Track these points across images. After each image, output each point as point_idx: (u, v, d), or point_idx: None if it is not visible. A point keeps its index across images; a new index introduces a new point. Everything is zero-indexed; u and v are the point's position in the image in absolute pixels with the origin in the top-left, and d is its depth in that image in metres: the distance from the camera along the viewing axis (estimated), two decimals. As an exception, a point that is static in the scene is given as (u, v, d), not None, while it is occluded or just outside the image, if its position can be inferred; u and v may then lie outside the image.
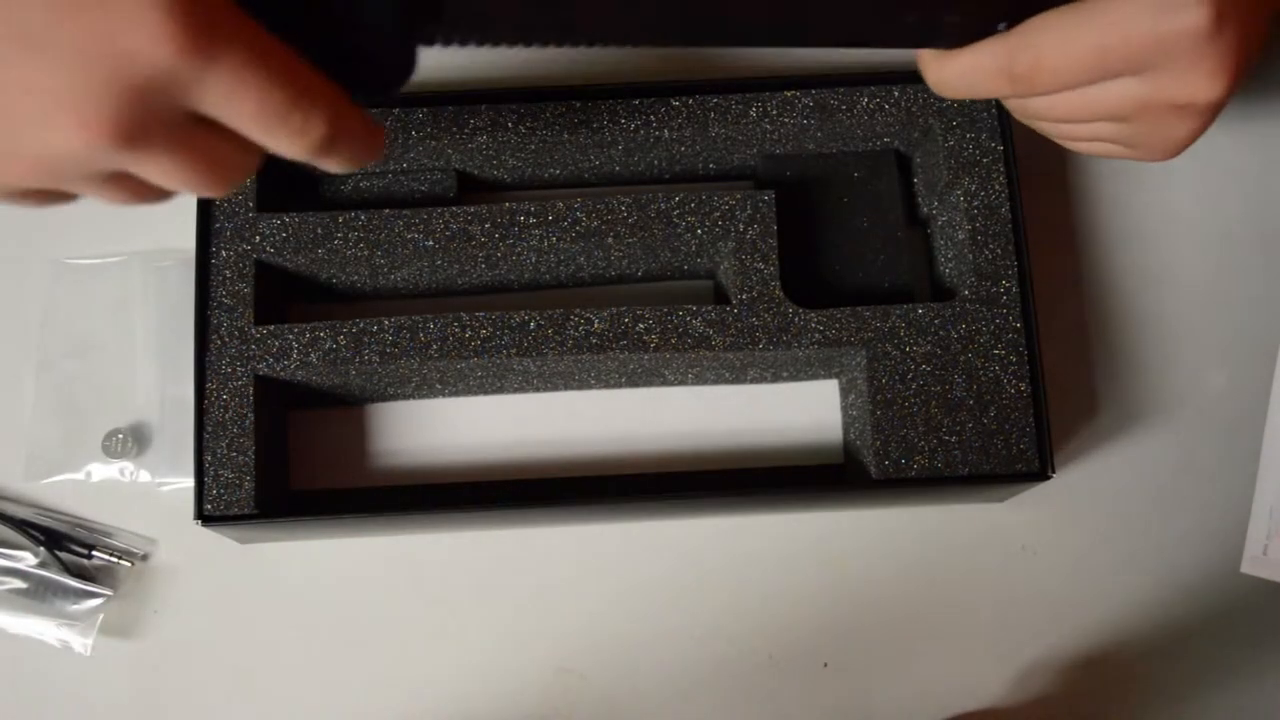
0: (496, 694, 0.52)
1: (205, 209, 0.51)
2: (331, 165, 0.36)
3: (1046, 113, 0.42)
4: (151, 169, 0.34)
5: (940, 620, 0.54)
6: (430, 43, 0.36)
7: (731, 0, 0.38)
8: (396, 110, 0.52)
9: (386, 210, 0.51)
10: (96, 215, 0.49)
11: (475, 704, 0.52)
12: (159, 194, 0.36)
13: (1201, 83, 0.38)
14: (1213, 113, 0.40)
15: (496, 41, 0.36)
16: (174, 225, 0.54)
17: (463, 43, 0.36)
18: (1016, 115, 0.44)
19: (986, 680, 0.53)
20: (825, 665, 0.53)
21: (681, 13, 0.38)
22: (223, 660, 0.53)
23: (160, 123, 0.32)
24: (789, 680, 0.53)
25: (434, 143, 0.52)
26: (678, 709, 0.53)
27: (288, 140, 0.34)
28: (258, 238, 0.51)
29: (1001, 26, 0.40)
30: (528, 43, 0.36)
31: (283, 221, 0.51)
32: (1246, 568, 0.54)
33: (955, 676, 0.53)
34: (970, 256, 0.51)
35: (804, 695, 0.53)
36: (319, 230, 0.51)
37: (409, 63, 0.36)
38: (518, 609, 0.53)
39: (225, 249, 0.50)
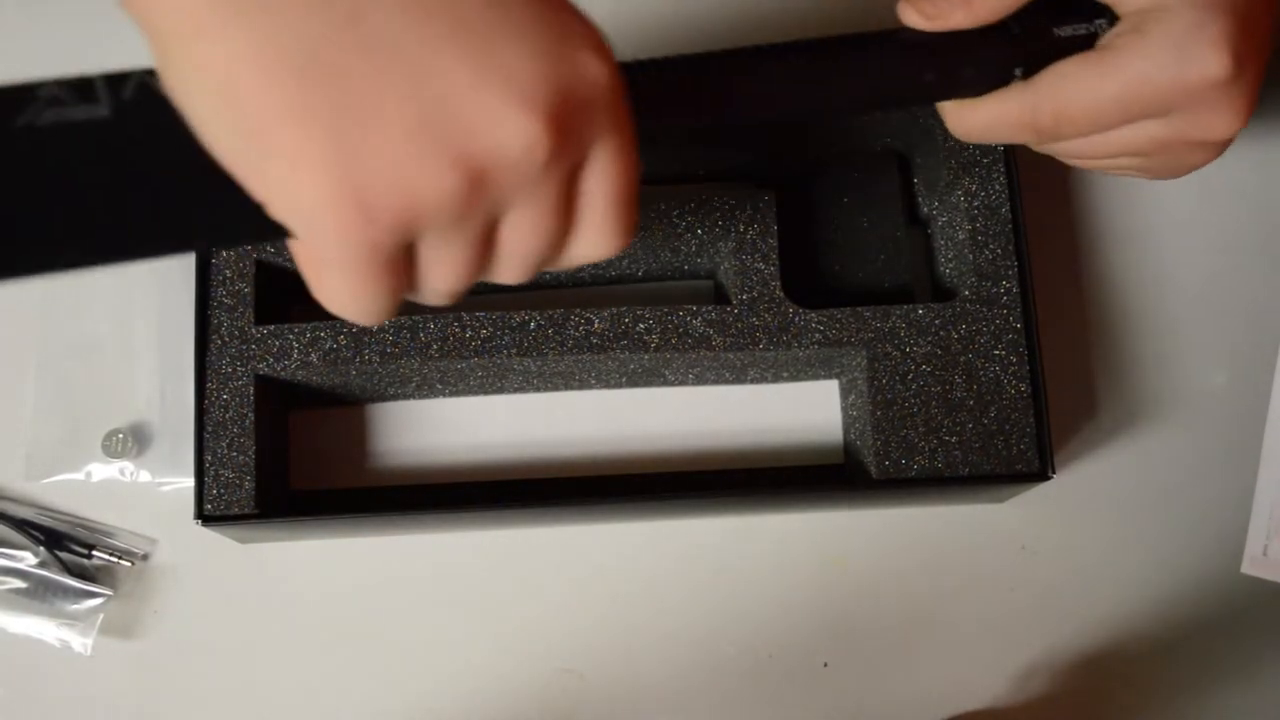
0: (497, 694, 0.52)
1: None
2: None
3: (1065, 152, 0.43)
4: (531, 214, 0.31)
5: (940, 620, 0.54)
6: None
7: (765, 79, 0.38)
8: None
9: (386, 210, 0.51)
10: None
11: (475, 704, 0.52)
12: (479, 270, 0.32)
13: (1221, 123, 0.39)
14: (1228, 145, 0.41)
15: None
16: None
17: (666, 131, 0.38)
18: (1032, 147, 0.44)
19: (986, 680, 0.53)
20: (825, 665, 0.53)
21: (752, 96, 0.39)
22: (223, 660, 0.53)
23: (573, 146, 0.30)
24: (789, 680, 0.53)
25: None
26: (678, 709, 0.53)
27: (618, 230, 0.32)
28: (258, 238, 0.50)
29: (1018, 73, 0.40)
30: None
31: (283, 221, 0.51)
32: (1246, 568, 0.54)
33: (955, 676, 0.53)
34: (970, 256, 0.51)
35: (804, 695, 0.53)
36: (319, 230, 0.51)
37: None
38: (518, 609, 0.53)
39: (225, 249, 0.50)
